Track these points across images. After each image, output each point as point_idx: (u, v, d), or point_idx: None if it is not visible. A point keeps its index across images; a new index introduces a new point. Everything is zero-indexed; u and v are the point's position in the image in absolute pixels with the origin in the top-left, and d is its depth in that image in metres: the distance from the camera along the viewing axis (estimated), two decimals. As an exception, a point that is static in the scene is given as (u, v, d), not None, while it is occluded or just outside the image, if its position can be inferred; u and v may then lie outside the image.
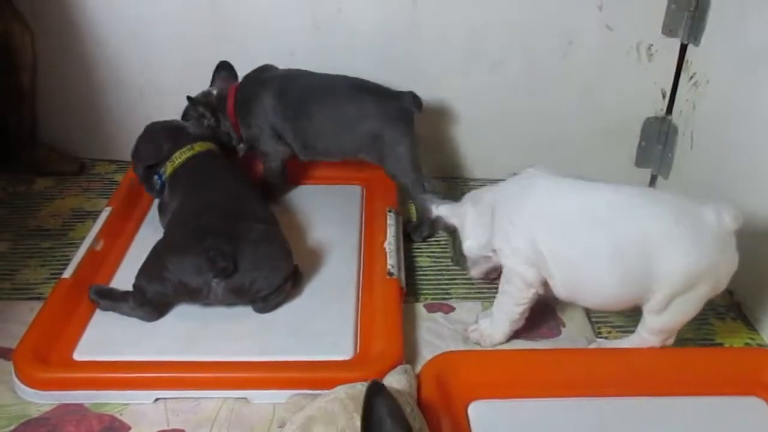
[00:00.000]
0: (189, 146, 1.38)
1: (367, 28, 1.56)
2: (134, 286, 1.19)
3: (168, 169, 1.37)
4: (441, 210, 1.27)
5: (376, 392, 0.84)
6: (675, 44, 1.54)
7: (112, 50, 1.57)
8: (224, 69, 1.52)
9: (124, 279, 1.26)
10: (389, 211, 1.45)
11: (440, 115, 1.65)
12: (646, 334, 1.12)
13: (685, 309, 1.07)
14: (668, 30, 1.53)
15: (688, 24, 1.49)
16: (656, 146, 1.63)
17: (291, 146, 1.48)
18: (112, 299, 1.21)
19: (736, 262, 1.06)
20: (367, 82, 1.46)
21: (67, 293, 1.21)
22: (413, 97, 1.43)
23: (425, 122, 1.65)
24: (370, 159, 1.47)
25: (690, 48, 1.52)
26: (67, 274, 1.25)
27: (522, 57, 1.58)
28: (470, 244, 1.22)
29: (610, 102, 1.62)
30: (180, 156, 1.37)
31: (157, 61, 1.57)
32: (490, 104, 1.63)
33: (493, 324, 1.20)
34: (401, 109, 1.43)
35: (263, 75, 1.47)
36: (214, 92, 1.49)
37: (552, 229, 1.10)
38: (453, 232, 1.31)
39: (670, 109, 1.61)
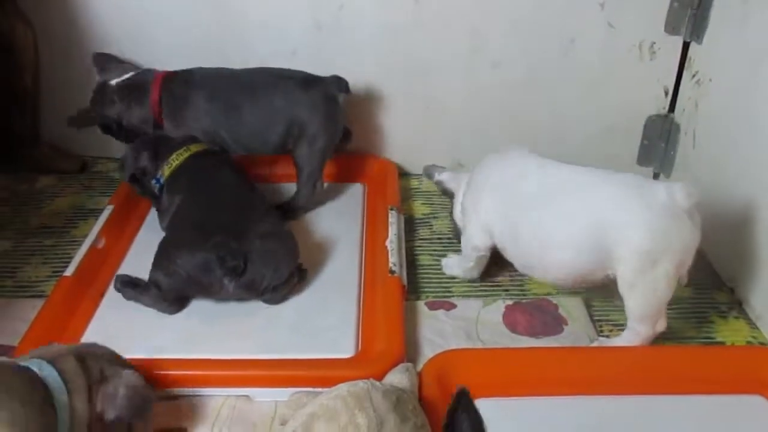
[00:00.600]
0: (185, 147, 1.38)
1: (369, 27, 1.56)
2: (150, 280, 1.19)
3: (166, 171, 1.37)
4: (442, 176, 1.40)
5: (461, 405, 0.82)
6: (677, 42, 1.54)
7: (114, 49, 1.57)
8: (107, 59, 1.50)
9: (126, 277, 1.26)
10: (391, 209, 1.45)
11: (442, 114, 1.65)
12: (633, 323, 1.14)
13: (655, 287, 1.09)
14: (671, 28, 1.52)
15: (691, 22, 1.49)
16: (659, 144, 1.63)
17: (224, 144, 1.46)
18: (135, 289, 1.22)
19: (696, 238, 1.08)
20: (288, 70, 1.46)
21: (69, 291, 1.22)
22: (338, 80, 1.44)
23: (428, 120, 1.66)
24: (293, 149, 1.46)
25: (693, 46, 1.52)
26: (69, 271, 1.25)
27: (524, 55, 1.58)
28: (455, 212, 1.36)
29: (612, 100, 1.62)
30: (177, 158, 1.37)
31: (158, 59, 1.56)
32: (492, 102, 1.63)
33: (453, 263, 1.36)
34: (326, 95, 1.43)
35: (190, 76, 1.45)
36: (127, 75, 1.45)
37: (510, 202, 1.19)
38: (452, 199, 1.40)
39: (672, 108, 1.61)
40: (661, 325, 1.13)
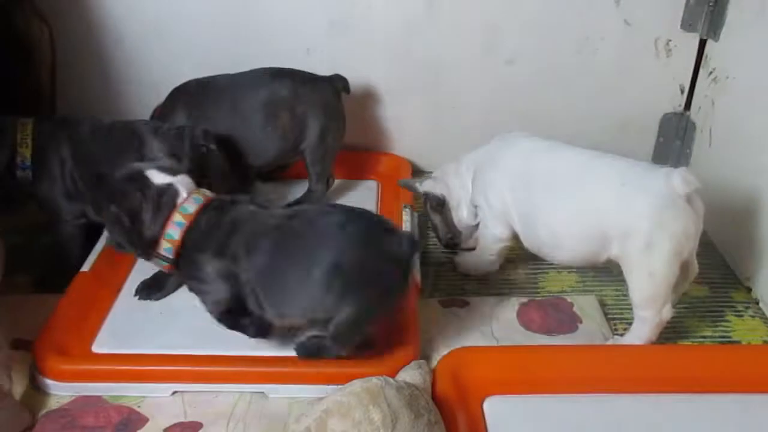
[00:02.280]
0: (20, 124, 1.25)
1: (383, 25, 1.56)
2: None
3: (26, 153, 1.24)
4: (425, 185, 1.39)
5: None
6: (694, 39, 1.53)
7: (129, 47, 1.58)
8: None
9: (141, 273, 1.27)
10: (404, 207, 1.44)
11: (456, 111, 1.65)
12: (638, 310, 1.14)
13: (653, 270, 1.10)
14: (687, 25, 1.52)
15: (708, 19, 1.48)
16: (674, 142, 1.62)
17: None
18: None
19: (696, 224, 1.10)
20: (283, 69, 1.42)
21: (86, 287, 1.23)
22: (341, 79, 1.44)
23: (442, 117, 1.66)
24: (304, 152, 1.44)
25: (709, 43, 1.51)
26: (85, 267, 1.26)
27: (539, 53, 1.58)
28: (460, 215, 1.34)
29: (627, 98, 1.61)
30: (24, 136, 1.24)
31: (174, 58, 1.57)
32: (506, 100, 1.62)
33: (471, 262, 1.35)
34: (333, 91, 1.43)
35: (177, 90, 1.41)
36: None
37: (518, 185, 1.21)
38: (440, 209, 1.38)
39: (688, 105, 1.60)
40: (666, 313, 1.13)
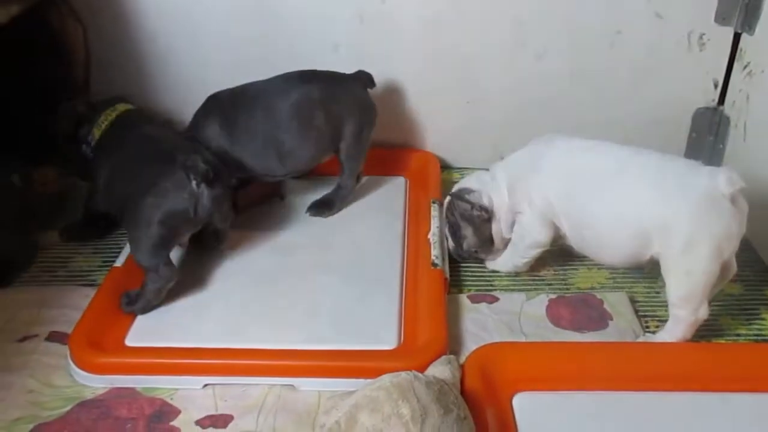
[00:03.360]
0: (112, 107, 1.35)
1: (412, 20, 1.56)
2: (142, 266, 1.20)
3: (96, 133, 1.33)
4: (473, 198, 1.32)
5: None
6: (728, 33, 1.50)
7: (163, 46, 1.60)
8: None
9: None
10: (433, 203, 1.45)
11: (485, 106, 1.64)
12: (673, 309, 1.13)
13: (692, 270, 1.08)
14: (721, 18, 1.49)
15: (742, 12, 1.46)
16: (707, 138, 1.60)
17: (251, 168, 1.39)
18: (139, 297, 1.20)
19: (739, 224, 1.08)
20: (312, 71, 1.42)
21: (120, 281, 1.25)
22: (366, 75, 1.45)
23: (471, 113, 1.65)
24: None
25: (744, 37, 1.48)
26: (119, 262, 1.28)
27: (568, 47, 1.56)
28: (501, 227, 1.32)
29: (659, 93, 1.59)
30: (106, 118, 1.33)
31: (207, 55, 1.59)
32: (536, 95, 1.61)
33: (502, 261, 1.34)
34: (363, 87, 1.44)
35: (209, 100, 1.40)
36: None
37: (562, 185, 1.20)
38: (481, 221, 1.32)
39: (722, 100, 1.57)
40: (703, 312, 1.11)
